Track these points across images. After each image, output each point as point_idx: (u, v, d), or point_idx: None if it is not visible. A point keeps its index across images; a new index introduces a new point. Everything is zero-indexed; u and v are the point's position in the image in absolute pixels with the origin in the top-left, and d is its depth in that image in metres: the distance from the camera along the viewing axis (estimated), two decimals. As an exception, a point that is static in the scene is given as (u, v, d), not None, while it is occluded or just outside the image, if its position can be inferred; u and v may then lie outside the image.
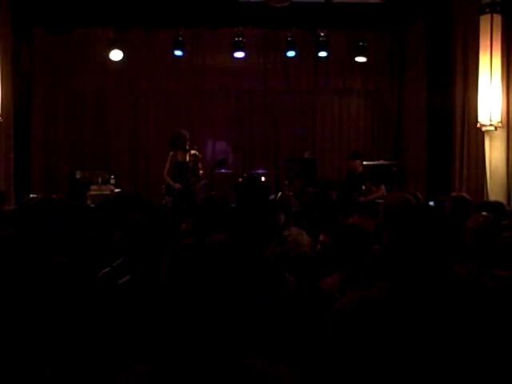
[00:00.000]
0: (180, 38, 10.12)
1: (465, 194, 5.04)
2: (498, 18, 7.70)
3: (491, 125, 7.80)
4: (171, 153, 7.87)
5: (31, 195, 8.27)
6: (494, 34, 7.71)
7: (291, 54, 10.40)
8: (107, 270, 3.03)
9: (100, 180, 9.39)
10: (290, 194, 7.82)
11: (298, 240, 4.00)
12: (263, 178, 9.04)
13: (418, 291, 1.70)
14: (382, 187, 7.72)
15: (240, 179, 8.79)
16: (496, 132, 7.84)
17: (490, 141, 7.89)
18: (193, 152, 7.84)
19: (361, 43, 10.25)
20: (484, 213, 3.31)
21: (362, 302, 1.77)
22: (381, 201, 6.90)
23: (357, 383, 1.69)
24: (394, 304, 1.71)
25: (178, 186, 7.66)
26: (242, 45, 10.16)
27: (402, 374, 1.64)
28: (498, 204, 4.85)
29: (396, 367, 1.64)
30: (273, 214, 2.90)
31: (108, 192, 9.02)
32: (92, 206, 7.70)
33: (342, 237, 3.06)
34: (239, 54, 10.26)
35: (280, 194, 7.99)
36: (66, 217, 3.37)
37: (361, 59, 10.40)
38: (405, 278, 1.73)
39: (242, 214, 2.78)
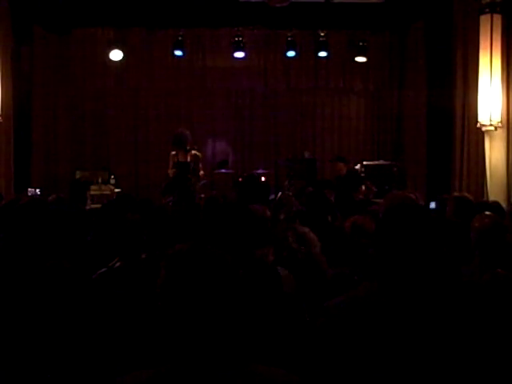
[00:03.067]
0: (180, 38, 10.12)
1: (467, 194, 5.04)
2: (498, 18, 7.70)
3: (491, 125, 7.79)
4: (173, 152, 7.87)
5: (29, 189, 8.28)
6: (493, 34, 7.70)
7: (291, 53, 10.40)
8: (103, 270, 3.03)
9: (100, 180, 9.39)
10: (290, 193, 7.81)
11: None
12: (263, 178, 9.04)
13: (403, 291, 1.71)
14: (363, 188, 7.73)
15: (240, 179, 8.79)
16: (496, 132, 7.84)
17: (490, 141, 7.89)
18: (193, 152, 7.85)
19: (361, 43, 10.25)
20: (488, 212, 3.31)
21: (349, 302, 1.78)
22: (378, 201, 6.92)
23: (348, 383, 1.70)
24: (379, 304, 1.72)
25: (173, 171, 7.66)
26: (241, 45, 10.16)
27: (390, 372, 1.64)
28: (495, 204, 4.86)
29: (384, 365, 1.65)
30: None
31: (108, 192, 9.02)
32: (90, 206, 7.72)
33: (339, 238, 3.06)
34: (239, 54, 10.26)
35: (280, 193, 7.99)
36: (59, 218, 3.36)
37: (361, 59, 10.40)
38: (391, 277, 1.74)
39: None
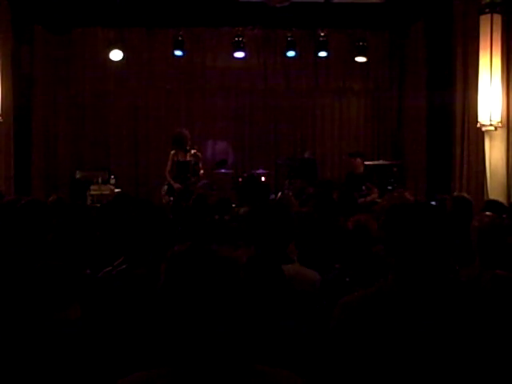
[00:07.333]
0: (180, 38, 10.12)
1: (465, 194, 5.04)
2: (498, 18, 7.70)
3: (491, 125, 7.79)
4: (172, 152, 7.89)
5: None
6: (494, 34, 7.70)
7: (291, 53, 10.39)
8: (108, 269, 3.03)
9: (100, 180, 9.37)
10: (290, 193, 7.82)
11: None
12: (263, 178, 9.04)
13: (415, 289, 1.72)
14: (376, 189, 7.79)
15: (240, 179, 8.79)
16: (496, 132, 7.84)
17: (490, 141, 7.89)
18: (193, 152, 7.87)
19: (361, 43, 10.23)
20: (488, 212, 3.30)
21: (363, 300, 1.80)
22: (378, 201, 6.94)
23: (360, 382, 1.70)
24: (392, 301, 1.73)
25: (177, 185, 7.67)
26: (241, 45, 10.16)
27: (402, 370, 1.65)
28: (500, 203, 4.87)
29: (395, 363, 1.65)
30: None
31: (108, 192, 9.00)
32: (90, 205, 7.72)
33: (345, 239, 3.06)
34: (239, 54, 10.26)
35: (280, 193, 8.00)
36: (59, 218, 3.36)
37: (361, 59, 10.39)
38: (403, 276, 1.74)
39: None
